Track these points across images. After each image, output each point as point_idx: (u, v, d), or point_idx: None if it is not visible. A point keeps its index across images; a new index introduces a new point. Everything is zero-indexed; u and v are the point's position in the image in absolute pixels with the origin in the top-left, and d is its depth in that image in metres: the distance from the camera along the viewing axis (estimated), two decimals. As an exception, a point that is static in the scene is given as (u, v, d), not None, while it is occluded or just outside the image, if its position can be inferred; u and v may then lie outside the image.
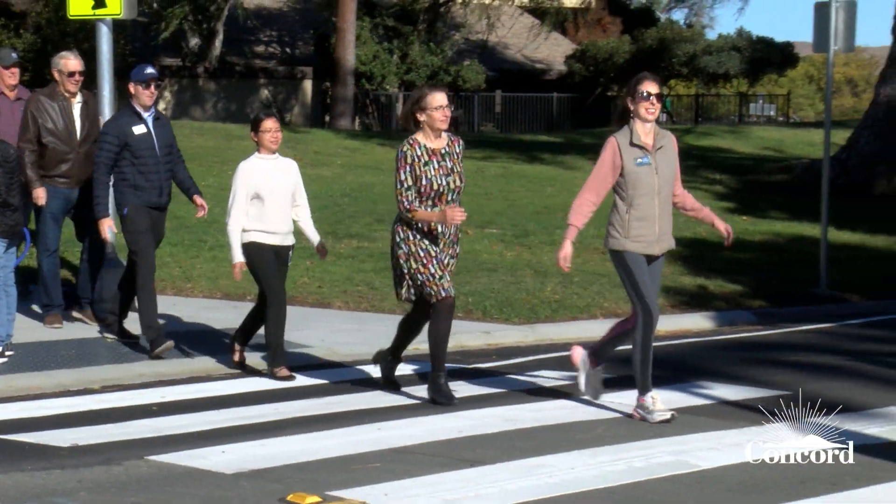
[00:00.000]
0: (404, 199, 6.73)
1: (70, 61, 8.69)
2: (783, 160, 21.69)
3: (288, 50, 34.21)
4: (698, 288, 11.39)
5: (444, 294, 6.77)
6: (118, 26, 16.51)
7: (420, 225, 6.80)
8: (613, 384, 7.38)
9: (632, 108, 6.22)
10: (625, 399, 6.92)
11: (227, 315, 9.33)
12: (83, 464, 5.63)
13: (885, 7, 12.65)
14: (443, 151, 6.82)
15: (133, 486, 5.30)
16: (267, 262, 7.52)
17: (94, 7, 9.38)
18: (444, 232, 6.83)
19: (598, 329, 9.62)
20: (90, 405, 7.06)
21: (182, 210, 11.48)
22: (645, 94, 6.22)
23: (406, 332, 7.35)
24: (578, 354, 6.64)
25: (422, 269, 6.78)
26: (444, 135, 6.87)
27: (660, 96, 6.31)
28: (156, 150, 8.20)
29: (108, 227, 8.28)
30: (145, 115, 8.19)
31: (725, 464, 5.68)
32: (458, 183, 6.84)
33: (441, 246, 6.84)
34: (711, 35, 40.13)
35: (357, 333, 9.02)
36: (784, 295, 11.16)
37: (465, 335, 9.21)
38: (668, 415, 6.31)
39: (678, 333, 9.81)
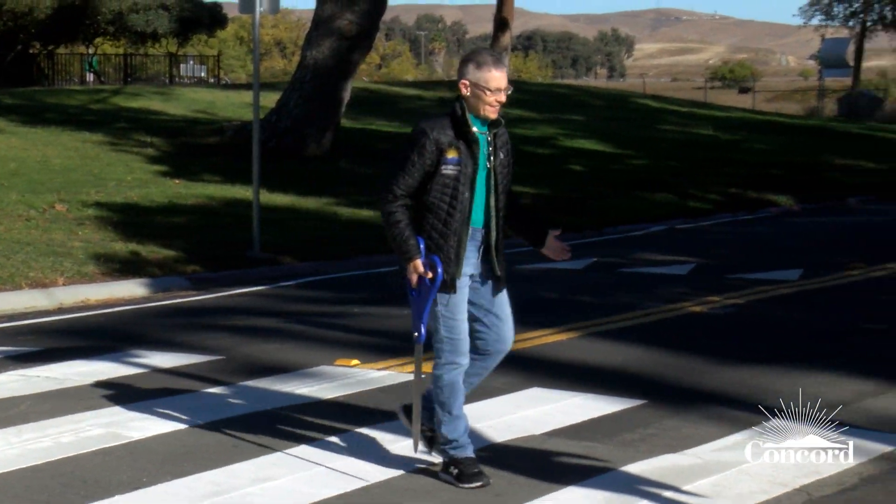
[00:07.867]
0: None
1: None
2: (215, 122, 20.80)
3: None
4: (131, 254, 10.79)
5: None
6: None
7: None
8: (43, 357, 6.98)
9: None
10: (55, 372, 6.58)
11: None
12: None
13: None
14: None
15: None
16: None
17: None
18: None
19: (22, 300, 8.62)
20: None
21: None
22: None
23: None
24: None
25: None
26: None
27: None
28: None
29: None
30: None
31: (157, 433, 5.49)
32: None
33: None
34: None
35: None
36: (218, 259, 10.89)
37: None
38: None
39: (112, 302, 9.31)
